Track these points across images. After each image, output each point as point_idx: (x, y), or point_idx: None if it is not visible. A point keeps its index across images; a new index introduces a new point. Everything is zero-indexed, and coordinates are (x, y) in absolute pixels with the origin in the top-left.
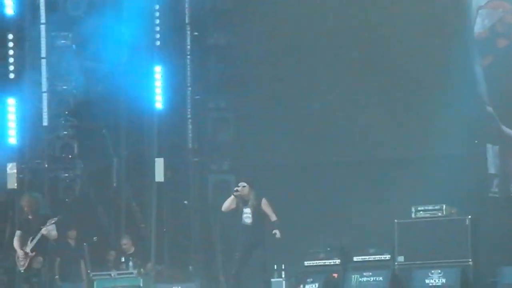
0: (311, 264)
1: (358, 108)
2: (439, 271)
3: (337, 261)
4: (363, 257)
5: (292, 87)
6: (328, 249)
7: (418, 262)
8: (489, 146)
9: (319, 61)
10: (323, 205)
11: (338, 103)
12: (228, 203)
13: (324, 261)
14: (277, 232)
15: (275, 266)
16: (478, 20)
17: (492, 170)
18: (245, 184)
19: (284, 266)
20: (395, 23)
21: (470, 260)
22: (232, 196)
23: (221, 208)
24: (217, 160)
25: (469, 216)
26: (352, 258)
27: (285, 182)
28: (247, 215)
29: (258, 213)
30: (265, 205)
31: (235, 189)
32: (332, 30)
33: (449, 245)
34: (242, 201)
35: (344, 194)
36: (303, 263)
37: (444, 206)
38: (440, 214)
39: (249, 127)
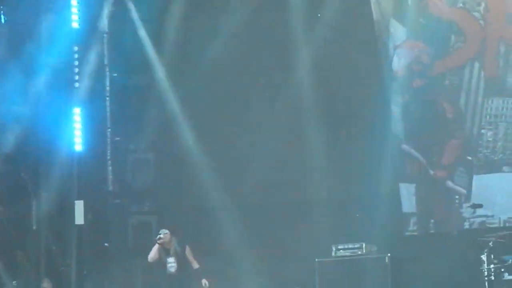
0: None
1: (279, 151)
2: None
3: None
4: None
5: (213, 127)
6: None
7: None
8: (402, 185)
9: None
10: (244, 246)
11: (261, 142)
12: (153, 253)
13: None
14: (205, 281)
15: None
16: (395, 59)
17: (406, 209)
18: (167, 231)
19: None
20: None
21: None
22: (157, 245)
23: (141, 250)
24: (138, 202)
25: (389, 254)
26: None
27: (207, 225)
28: (171, 264)
29: (182, 261)
30: (188, 252)
31: (157, 237)
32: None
33: (369, 283)
34: (165, 250)
35: (264, 235)
36: None
37: (363, 245)
38: (360, 252)
39: (171, 169)
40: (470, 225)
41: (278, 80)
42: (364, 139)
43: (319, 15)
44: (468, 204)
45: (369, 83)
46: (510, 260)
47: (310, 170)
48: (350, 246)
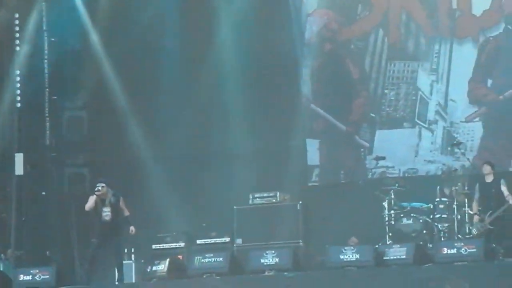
0: (158, 247)
1: (203, 108)
2: (273, 251)
3: (182, 244)
4: (205, 240)
5: (142, 87)
6: (174, 233)
7: (254, 244)
8: (308, 140)
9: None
10: (169, 194)
11: (186, 98)
12: (91, 203)
13: (170, 244)
14: (132, 228)
15: (125, 249)
16: (308, 26)
17: (310, 161)
18: (104, 185)
19: (134, 250)
20: (225, 24)
21: (301, 241)
22: (94, 196)
23: (76, 198)
24: (72, 155)
25: (300, 202)
26: (196, 241)
27: (136, 175)
28: (106, 213)
29: (116, 210)
30: (121, 203)
31: (96, 189)
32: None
33: (282, 228)
34: (101, 200)
35: (188, 184)
36: (151, 246)
37: (278, 193)
38: (274, 200)
39: (103, 125)
40: (373, 175)
41: (202, 42)
42: (276, 98)
43: None
44: (372, 156)
45: (283, 48)
46: (408, 206)
47: (229, 125)
48: (266, 194)
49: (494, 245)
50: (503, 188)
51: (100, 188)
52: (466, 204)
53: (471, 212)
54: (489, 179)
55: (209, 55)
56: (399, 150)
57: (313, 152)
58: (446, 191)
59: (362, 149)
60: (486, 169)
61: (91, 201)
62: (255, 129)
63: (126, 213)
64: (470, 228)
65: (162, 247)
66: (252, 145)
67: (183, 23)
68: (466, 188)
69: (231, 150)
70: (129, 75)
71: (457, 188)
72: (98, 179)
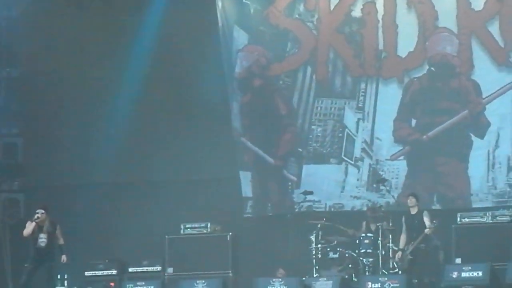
0: (91, 274)
1: (133, 136)
2: (203, 281)
3: (114, 272)
4: (137, 268)
5: (73, 116)
6: (107, 261)
7: (185, 273)
8: (241, 172)
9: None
10: (103, 222)
11: (117, 126)
12: (29, 230)
13: (102, 272)
14: (64, 258)
15: (59, 275)
16: (238, 61)
17: (244, 193)
18: (43, 211)
19: (67, 276)
20: (168, 57)
21: (230, 272)
22: (34, 223)
23: (10, 224)
24: (8, 181)
25: (230, 233)
26: (128, 269)
27: (69, 201)
28: (42, 240)
29: (51, 237)
30: (58, 230)
31: (35, 216)
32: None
33: (213, 258)
34: (39, 227)
35: (121, 212)
36: (84, 273)
37: (209, 224)
38: (205, 231)
39: (37, 152)
40: (300, 208)
41: (131, 73)
42: (208, 131)
43: None
44: (300, 191)
45: (214, 82)
46: (335, 241)
47: (162, 154)
48: (197, 225)
49: (416, 281)
50: (425, 219)
51: (39, 215)
52: (391, 240)
53: (395, 248)
54: (414, 211)
55: (137, 84)
56: (325, 184)
57: (246, 184)
58: (372, 226)
59: (289, 183)
60: (412, 201)
61: (30, 227)
62: (189, 159)
63: (61, 241)
64: (394, 264)
65: (94, 274)
66: (185, 174)
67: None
68: (390, 224)
69: (164, 179)
70: (62, 103)
71: (382, 224)
72: (39, 205)
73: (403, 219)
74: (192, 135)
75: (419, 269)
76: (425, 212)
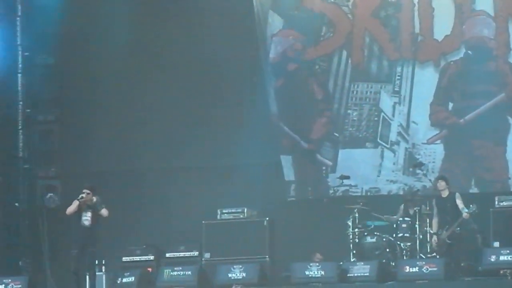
0: (128, 259)
1: (176, 120)
2: (240, 266)
3: (151, 257)
4: (174, 253)
5: (108, 102)
6: (144, 246)
7: (222, 258)
8: (282, 157)
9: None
10: (140, 207)
11: (155, 113)
12: (73, 207)
13: (140, 257)
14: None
15: (96, 261)
16: (272, 46)
17: (287, 177)
18: (89, 191)
19: (105, 261)
20: (198, 45)
21: (267, 256)
22: (76, 201)
23: (48, 209)
24: (44, 167)
25: (267, 218)
26: (165, 255)
27: (106, 187)
28: (86, 218)
29: (96, 217)
30: (104, 211)
31: (80, 195)
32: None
33: (249, 244)
34: (85, 206)
35: (159, 198)
36: (121, 259)
37: (245, 209)
38: (242, 216)
39: (73, 139)
40: (335, 193)
41: (166, 61)
42: (246, 115)
43: None
44: (336, 175)
45: (249, 67)
46: (372, 225)
47: (201, 140)
48: (233, 210)
49: (453, 265)
50: (458, 202)
51: (84, 195)
52: (428, 224)
53: (432, 232)
54: (445, 194)
55: (170, 71)
56: (361, 169)
57: (288, 168)
58: (410, 210)
59: (324, 167)
60: (441, 184)
61: (74, 205)
62: (226, 145)
63: (105, 213)
64: (432, 248)
65: (132, 260)
66: (224, 160)
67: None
68: (427, 208)
69: (203, 165)
70: (97, 92)
71: (419, 208)
72: (86, 185)
73: (434, 202)
74: (231, 121)
75: (456, 253)
76: (457, 195)
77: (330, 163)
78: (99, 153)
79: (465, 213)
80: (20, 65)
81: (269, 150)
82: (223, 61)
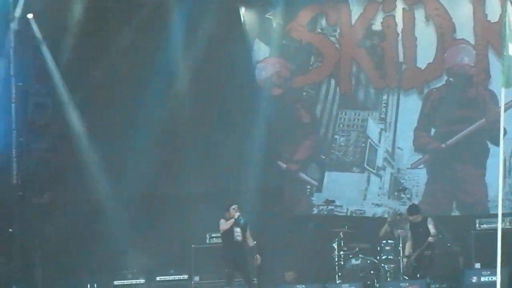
0: (120, 283)
1: (163, 150)
2: None
3: (142, 280)
4: (164, 277)
5: (104, 128)
6: (135, 270)
7: (211, 281)
8: None
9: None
10: (131, 231)
11: (145, 139)
12: (228, 225)
13: (131, 281)
14: (258, 257)
15: (88, 285)
16: (257, 72)
17: None
18: (236, 206)
19: (96, 285)
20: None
21: (255, 279)
22: (233, 219)
23: (39, 234)
24: (38, 194)
25: (255, 242)
26: (155, 278)
27: (97, 213)
28: (238, 233)
29: (244, 233)
30: (248, 231)
31: (232, 209)
32: None
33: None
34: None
35: (150, 222)
36: (113, 283)
37: None
38: None
39: (68, 166)
40: (319, 211)
41: (161, 87)
42: (243, 144)
43: None
44: (321, 194)
45: (239, 93)
46: (357, 247)
47: (187, 167)
48: None
49: (437, 286)
50: (430, 226)
51: (236, 207)
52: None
53: (402, 255)
54: (417, 220)
55: (169, 97)
56: (348, 191)
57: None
58: (394, 232)
59: (308, 186)
60: (415, 217)
61: (229, 223)
62: (211, 172)
63: (251, 243)
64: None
65: (123, 283)
66: (208, 186)
67: (143, 70)
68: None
69: (189, 191)
70: (92, 117)
71: (402, 230)
72: (230, 201)
73: (408, 226)
74: (217, 146)
75: (423, 275)
76: (429, 220)
77: (315, 183)
78: (91, 180)
79: (430, 238)
80: (13, 95)
81: (258, 176)
82: (223, 85)
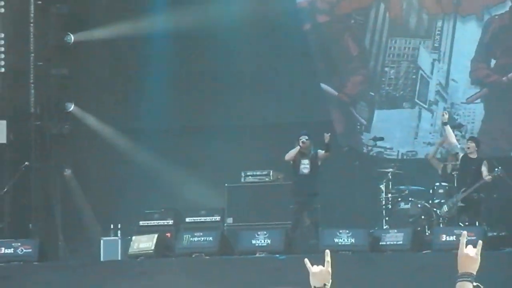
0: (146, 224)
1: (198, 76)
2: (265, 232)
3: (170, 222)
4: (194, 218)
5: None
6: (162, 210)
7: (245, 224)
8: None
9: None
10: (157, 169)
11: (182, 69)
12: (293, 154)
13: (158, 221)
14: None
15: (112, 225)
16: None
17: None
18: (307, 137)
19: (120, 226)
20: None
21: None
22: (298, 148)
23: (59, 168)
24: (58, 124)
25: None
26: (185, 219)
27: (124, 147)
28: (304, 165)
29: (314, 164)
30: (320, 155)
31: (300, 141)
32: None
33: (274, 208)
34: (301, 153)
35: (177, 160)
36: (138, 223)
37: (271, 172)
38: (267, 179)
39: (89, 93)
40: (368, 151)
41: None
42: (281, 73)
43: None
44: (370, 137)
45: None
46: (406, 190)
47: (226, 97)
48: (258, 172)
49: (495, 234)
50: (483, 168)
51: (304, 140)
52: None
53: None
54: (473, 155)
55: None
56: (398, 131)
57: None
58: (448, 170)
59: (358, 124)
60: (471, 146)
61: (294, 152)
62: (252, 102)
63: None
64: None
65: (149, 224)
66: (246, 119)
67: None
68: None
69: (227, 123)
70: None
71: (457, 172)
72: (302, 131)
73: (460, 156)
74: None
75: (469, 218)
76: (484, 162)
77: (364, 122)
78: (115, 113)
79: (488, 176)
80: (32, 15)
81: (304, 108)
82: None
